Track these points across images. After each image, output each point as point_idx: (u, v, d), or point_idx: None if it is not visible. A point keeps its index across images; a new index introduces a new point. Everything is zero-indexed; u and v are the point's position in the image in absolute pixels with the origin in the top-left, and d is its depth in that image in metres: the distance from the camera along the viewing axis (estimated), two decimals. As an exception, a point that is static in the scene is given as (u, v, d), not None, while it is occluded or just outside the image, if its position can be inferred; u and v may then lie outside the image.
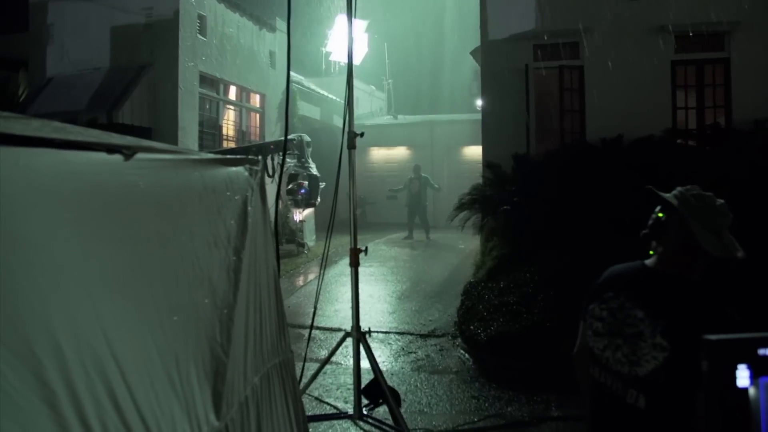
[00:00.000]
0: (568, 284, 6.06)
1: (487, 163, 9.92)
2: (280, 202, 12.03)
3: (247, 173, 2.14)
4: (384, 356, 6.80)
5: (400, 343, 7.33)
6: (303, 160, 12.58)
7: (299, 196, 12.77)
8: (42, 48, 14.03)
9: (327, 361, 5.43)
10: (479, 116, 11.82)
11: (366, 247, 5.18)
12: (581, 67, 10.42)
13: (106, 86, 13.00)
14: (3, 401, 0.87)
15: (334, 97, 19.94)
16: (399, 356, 6.90)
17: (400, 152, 21.65)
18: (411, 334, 7.68)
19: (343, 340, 5.18)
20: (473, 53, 12.59)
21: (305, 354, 5.41)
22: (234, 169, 2.06)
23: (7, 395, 0.88)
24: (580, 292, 2.34)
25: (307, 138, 12.76)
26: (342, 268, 10.68)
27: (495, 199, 9.08)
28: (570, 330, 2.41)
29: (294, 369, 2.41)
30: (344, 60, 5.18)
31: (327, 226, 5.38)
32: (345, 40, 5.23)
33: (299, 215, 13.21)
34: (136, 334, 1.28)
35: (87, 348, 1.08)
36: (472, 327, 6.82)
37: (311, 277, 11.11)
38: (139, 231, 1.42)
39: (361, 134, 5.08)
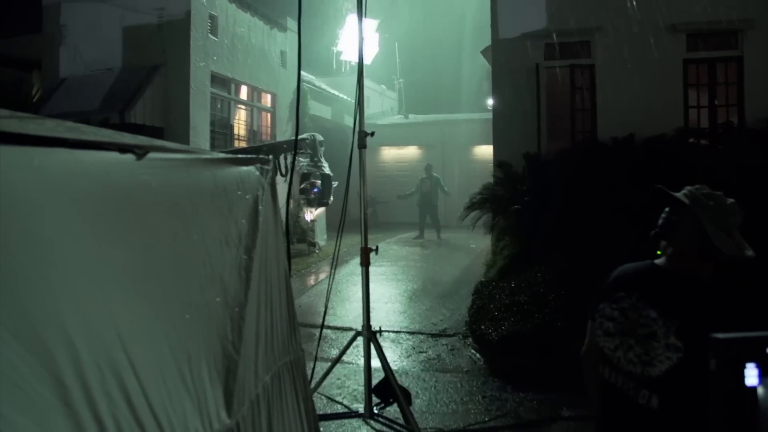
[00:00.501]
0: (579, 284, 6.04)
1: (498, 162, 9.90)
2: (291, 202, 12.05)
3: (258, 173, 2.15)
4: (395, 355, 6.81)
5: (411, 343, 7.34)
6: (316, 159, 12.63)
7: (312, 195, 12.80)
8: (55, 49, 14.13)
9: (338, 360, 5.44)
10: (490, 115, 11.80)
11: (377, 247, 5.19)
12: (592, 66, 10.38)
13: (118, 86, 13.09)
14: (17, 397, 0.88)
15: (345, 97, 19.96)
16: (410, 355, 6.90)
17: (411, 151, 21.65)
18: (422, 333, 7.69)
19: (353, 339, 5.20)
20: (484, 52, 12.56)
21: (316, 353, 5.42)
22: (245, 168, 2.07)
23: (21, 391, 0.89)
24: (592, 292, 2.33)
25: (319, 137, 12.81)
26: (353, 267, 10.69)
27: (506, 199, 9.06)
28: (581, 330, 2.40)
29: (305, 367, 2.41)
30: (355, 59, 5.19)
31: (338, 225, 5.40)
32: (356, 39, 5.23)
33: (310, 215, 13.24)
34: (148, 332, 1.30)
35: (100, 345, 1.10)
36: (483, 326, 6.82)
37: (323, 276, 11.13)
38: (151, 230, 1.44)
39: (372, 134, 5.09)
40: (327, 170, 12.71)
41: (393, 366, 5.95)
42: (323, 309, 5.51)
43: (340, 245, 5.34)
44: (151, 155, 1.44)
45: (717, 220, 1.97)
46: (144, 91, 12.92)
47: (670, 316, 1.97)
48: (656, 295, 2.05)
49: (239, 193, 1.97)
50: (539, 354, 5.97)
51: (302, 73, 4.40)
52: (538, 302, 6.88)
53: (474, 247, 13.32)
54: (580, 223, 7.42)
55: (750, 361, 1.12)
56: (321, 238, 13.81)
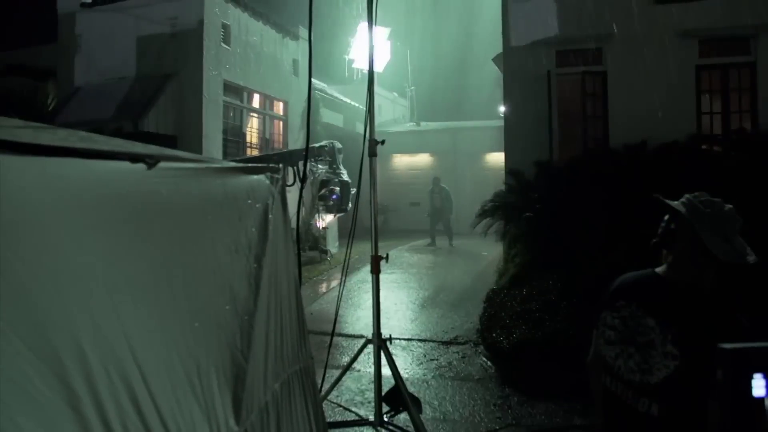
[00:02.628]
0: (591, 292, 6.00)
1: (510, 169, 9.88)
2: (303, 209, 12.10)
3: (268, 181, 2.16)
4: (406, 363, 6.80)
5: (421, 350, 7.32)
6: (334, 166, 12.73)
7: (331, 202, 12.87)
8: (70, 58, 14.30)
9: (348, 367, 5.43)
10: (502, 123, 11.79)
11: (387, 254, 5.19)
12: (604, 73, 10.35)
13: (132, 95, 13.21)
14: (27, 402, 0.90)
15: (356, 105, 20.03)
16: (421, 363, 6.89)
17: (423, 159, 21.65)
18: (433, 341, 7.67)
19: (364, 346, 5.19)
20: (495, 60, 12.56)
21: (326, 360, 5.42)
22: (255, 177, 2.09)
23: (31, 397, 0.91)
24: (599, 301, 2.34)
25: (338, 145, 12.90)
26: (364, 275, 10.69)
27: (517, 206, 9.03)
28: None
29: (314, 375, 2.42)
30: (367, 68, 5.21)
31: (349, 233, 5.41)
32: (367, 47, 5.26)
33: (322, 222, 13.29)
34: (158, 339, 1.31)
35: (109, 352, 1.11)
36: (494, 334, 6.79)
37: (334, 283, 11.14)
38: (161, 238, 1.45)
39: (382, 142, 5.10)
40: (346, 177, 12.80)
41: (404, 373, 5.94)
42: (334, 316, 5.51)
43: (350, 253, 5.35)
44: (162, 164, 1.46)
45: (714, 227, 1.96)
46: (157, 100, 13.03)
47: (667, 325, 1.98)
48: (654, 303, 2.06)
49: (249, 201, 1.98)
50: (551, 362, 5.93)
51: (314, 81, 4.42)
52: (549, 310, 6.84)
53: (486, 254, 13.29)
54: (592, 231, 7.38)
55: (758, 371, 1.11)
56: (333, 245, 13.83)
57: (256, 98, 15.70)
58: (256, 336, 1.79)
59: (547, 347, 6.10)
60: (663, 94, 9.65)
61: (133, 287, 1.27)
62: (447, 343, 7.54)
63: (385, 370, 5.05)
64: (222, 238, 1.77)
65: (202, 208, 1.70)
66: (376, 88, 5.16)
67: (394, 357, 5.19)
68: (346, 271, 5.52)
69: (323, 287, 11.11)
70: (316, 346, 4.70)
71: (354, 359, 5.36)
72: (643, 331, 2.03)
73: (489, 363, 6.73)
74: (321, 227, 13.34)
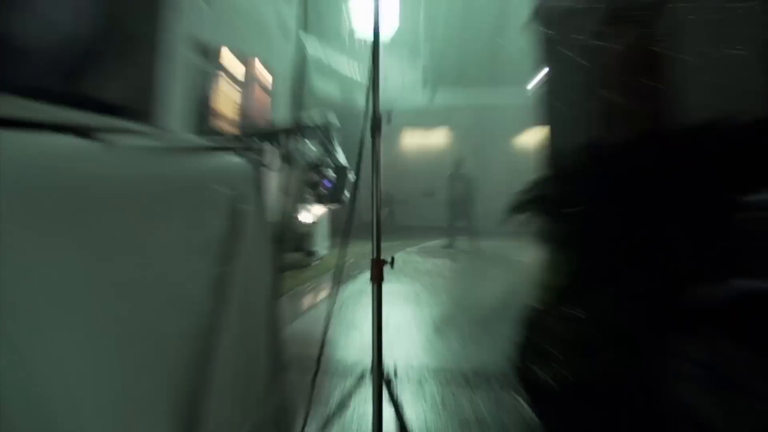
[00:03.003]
0: (671, 313, 5.96)
1: (550, 152, 9.92)
2: (286, 199, 12.13)
3: (242, 163, 2.17)
4: (415, 404, 6.76)
5: (436, 388, 7.29)
6: (330, 147, 12.76)
7: (322, 190, 12.88)
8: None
9: (339, 408, 5.39)
10: (536, 96, 11.85)
11: (392, 258, 5.14)
12: (667, 36, 10.33)
13: (80, 53, 13.23)
14: None
15: (356, 73, 20.14)
16: (435, 405, 6.85)
17: (438, 138, 21.85)
18: (451, 375, 7.63)
19: (359, 381, 5.14)
20: (529, 21, 12.60)
21: (310, 397, 5.38)
22: (226, 157, 2.11)
23: None
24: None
25: (334, 120, 12.89)
26: (362, 284, 10.72)
27: (561, 199, 9.01)
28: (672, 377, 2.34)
29: (294, 417, 2.41)
30: (370, 34, 5.19)
31: (343, 230, 5.37)
32: (371, 8, 5.21)
33: (310, 216, 13.27)
34: (79, 371, 1.25)
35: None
36: (535, 369, 6.74)
37: (323, 295, 11.16)
38: (96, 233, 1.43)
39: (389, 117, 5.05)
40: (343, 161, 12.81)
41: (411, 417, 5.90)
42: (321, 339, 5.47)
43: (345, 256, 5.30)
44: (108, 139, 1.47)
45: None
46: (107, 60, 13.04)
47: None
48: None
49: (217, 188, 2.00)
50: (614, 409, 5.87)
51: (307, 44, 4.37)
52: (613, 338, 6.79)
53: (520, 260, 13.33)
54: (664, 233, 7.34)
55: None
56: (322, 245, 13.87)
57: (234, 63, 15.81)
58: (219, 366, 1.76)
59: (609, 388, 6.05)
60: (738, 63, 9.59)
61: (52, 297, 1.22)
62: (470, 379, 7.51)
63: (388, 413, 5.00)
64: (177, 234, 1.76)
65: (155, 195, 1.70)
66: (382, 53, 5.10)
67: (399, 397, 5.14)
68: (339, 279, 5.47)
69: (307, 300, 11.11)
70: (297, 377, 4.65)
71: (347, 397, 5.32)
72: None
73: (528, 408, 6.68)
74: (308, 222, 13.33)
